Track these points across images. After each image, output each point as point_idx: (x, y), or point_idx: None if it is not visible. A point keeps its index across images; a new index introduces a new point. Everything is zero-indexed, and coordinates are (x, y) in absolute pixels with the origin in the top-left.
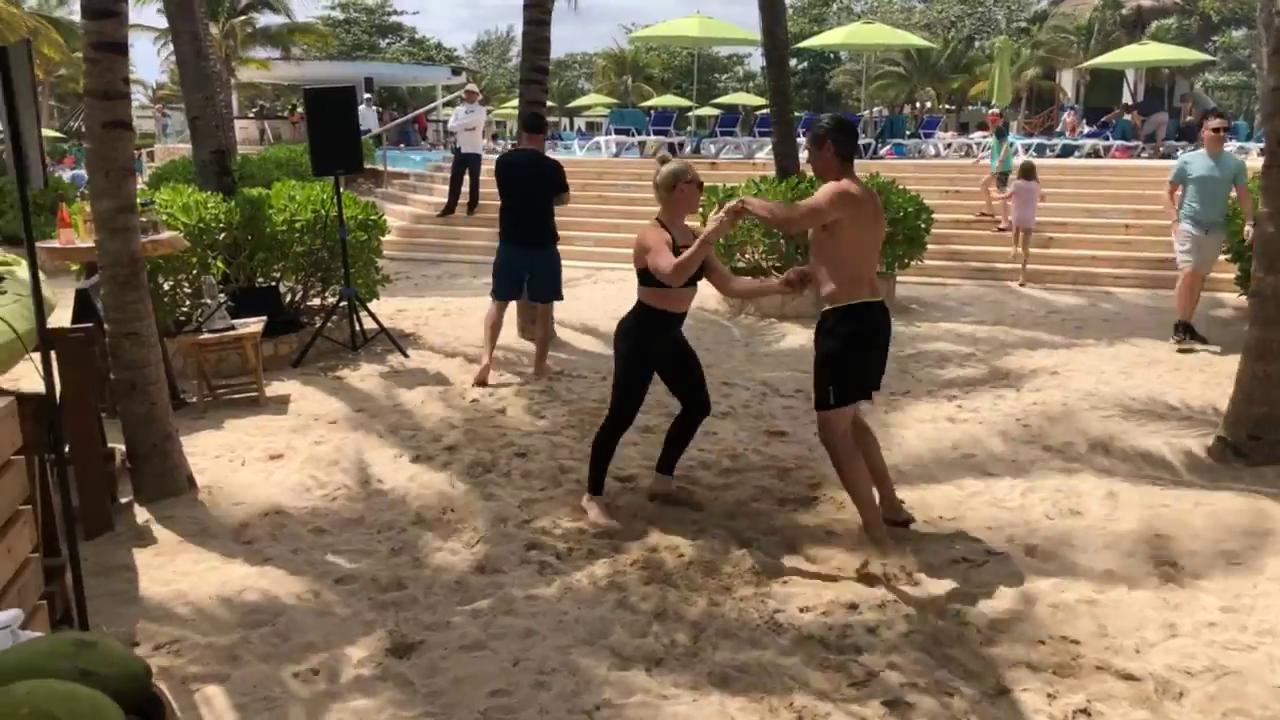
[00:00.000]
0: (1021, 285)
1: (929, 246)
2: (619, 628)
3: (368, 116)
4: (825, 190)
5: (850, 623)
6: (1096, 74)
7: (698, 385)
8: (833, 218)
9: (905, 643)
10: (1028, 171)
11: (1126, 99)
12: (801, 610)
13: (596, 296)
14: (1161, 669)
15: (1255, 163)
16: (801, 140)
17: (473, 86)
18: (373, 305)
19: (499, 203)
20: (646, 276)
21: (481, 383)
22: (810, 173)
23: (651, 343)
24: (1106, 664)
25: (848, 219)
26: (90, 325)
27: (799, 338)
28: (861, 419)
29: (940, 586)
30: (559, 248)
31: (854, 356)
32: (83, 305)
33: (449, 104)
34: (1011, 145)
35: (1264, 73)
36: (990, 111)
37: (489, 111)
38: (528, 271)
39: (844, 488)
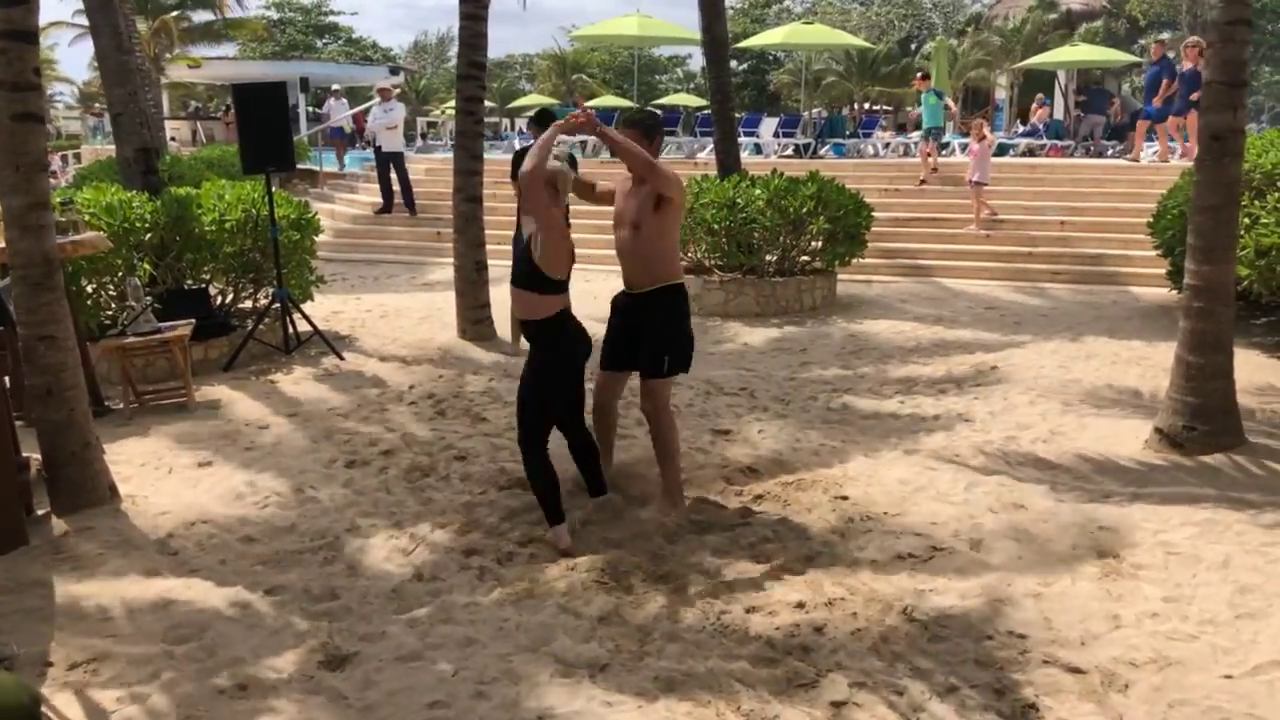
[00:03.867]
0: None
1: (869, 244)
2: (562, 634)
3: (339, 109)
4: (675, 181)
5: (798, 622)
6: (1029, 75)
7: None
8: (672, 194)
9: (853, 641)
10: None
11: (1059, 99)
12: (748, 611)
13: None
14: (1107, 661)
15: (1180, 161)
16: (743, 140)
17: (385, 84)
18: (307, 307)
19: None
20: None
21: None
22: (753, 172)
23: (573, 348)
24: (1053, 657)
25: (677, 202)
26: (0, 329)
27: (744, 337)
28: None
29: (887, 583)
30: None
31: (689, 329)
32: None
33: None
34: (942, 100)
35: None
36: (918, 75)
37: (429, 111)
38: None
39: (669, 458)
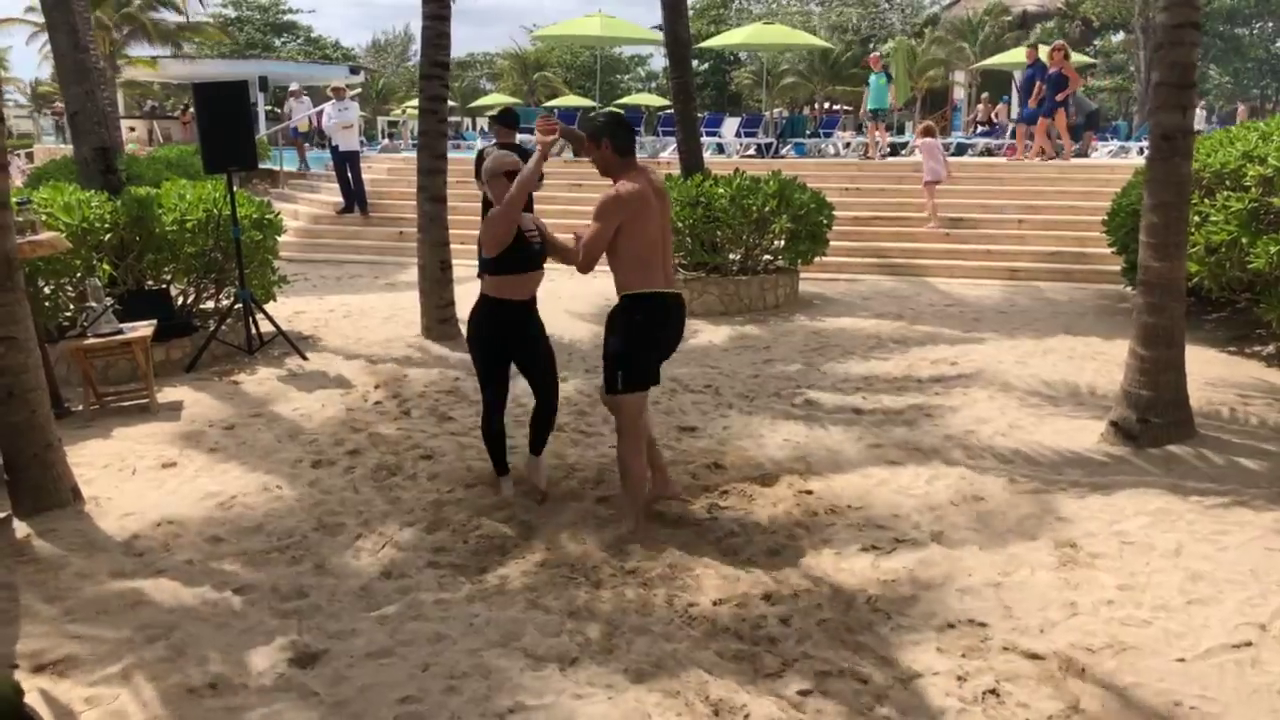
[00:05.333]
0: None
1: (831, 242)
2: (531, 628)
3: (300, 108)
4: (599, 209)
5: (764, 613)
6: (986, 74)
7: (544, 381)
8: (615, 226)
9: (818, 631)
10: (928, 131)
11: (1014, 98)
12: (715, 603)
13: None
14: (1065, 647)
15: (1135, 160)
16: (706, 140)
17: (340, 83)
18: (270, 307)
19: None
20: (486, 263)
21: None
22: (716, 172)
23: (494, 333)
24: (1013, 644)
25: (629, 217)
26: None
27: (709, 335)
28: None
29: (850, 574)
30: None
31: (643, 344)
32: None
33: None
34: (888, 82)
35: (1141, 75)
36: (871, 55)
37: (390, 110)
38: None
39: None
